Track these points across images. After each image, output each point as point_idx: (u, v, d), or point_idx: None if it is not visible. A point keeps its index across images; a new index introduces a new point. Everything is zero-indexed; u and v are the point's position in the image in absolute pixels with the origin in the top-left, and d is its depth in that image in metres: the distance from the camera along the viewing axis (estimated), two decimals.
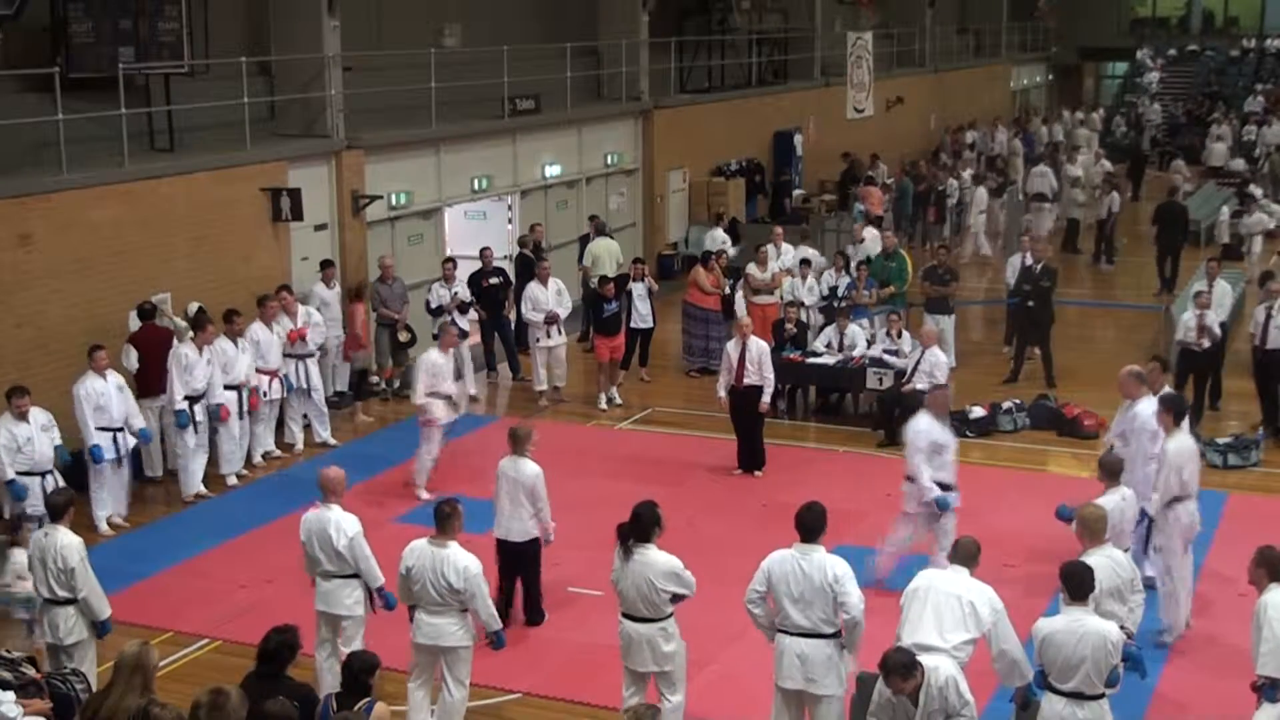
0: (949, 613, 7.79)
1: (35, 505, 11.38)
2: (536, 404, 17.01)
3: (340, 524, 9.15)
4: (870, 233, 20.77)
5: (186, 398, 13.55)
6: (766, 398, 14.39)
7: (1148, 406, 11.02)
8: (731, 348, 14.43)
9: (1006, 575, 8.21)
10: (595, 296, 17.32)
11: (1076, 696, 7.50)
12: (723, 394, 14.46)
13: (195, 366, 13.64)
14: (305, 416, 15.50)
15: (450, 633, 8.81)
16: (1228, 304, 17.48)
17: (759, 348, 14.34)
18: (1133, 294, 22.64)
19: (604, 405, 17.13)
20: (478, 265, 18.02)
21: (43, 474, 11.83)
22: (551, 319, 16.79)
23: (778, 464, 14.53)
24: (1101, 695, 7.56)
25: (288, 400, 15.25)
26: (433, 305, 17.00)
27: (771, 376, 14.44)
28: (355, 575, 9.20)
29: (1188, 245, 24.19)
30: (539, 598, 10.81)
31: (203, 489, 13.87)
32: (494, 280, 17.73)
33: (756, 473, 14.42)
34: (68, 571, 8.87)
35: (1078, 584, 7.68)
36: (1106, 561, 8.40)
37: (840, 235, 24.01)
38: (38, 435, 11.84)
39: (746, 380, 14.21)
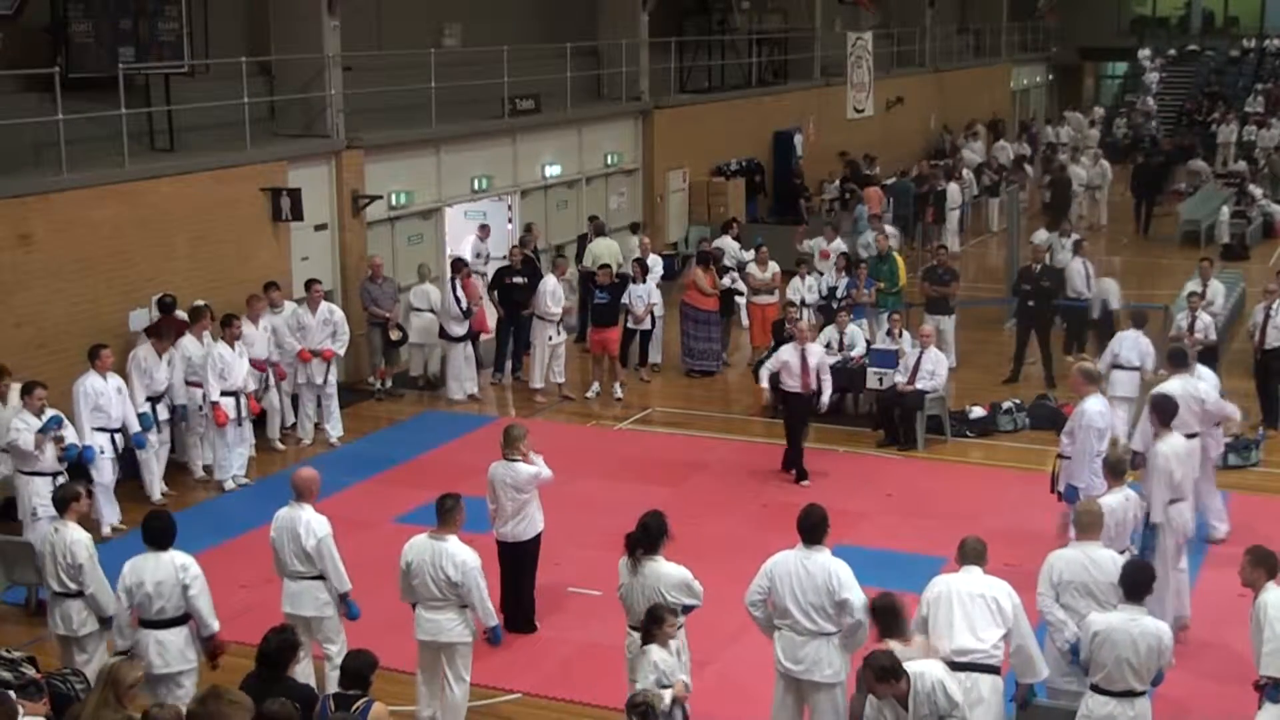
0: (978, 613, 7.83)
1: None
2: (534, 400, 17.03)
3: (311, 524, 9.08)
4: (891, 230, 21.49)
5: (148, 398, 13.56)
6: (826, 398, 14.32)
7: (1095, 404, 11.00)
8: (791, 354, 14.23)
9: (1007, 575, 8.21)
10: (588, 284, 17.36)
11: (1127, 695, 7.53)
12: (764, 384, 14.44)
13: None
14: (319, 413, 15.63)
15: (449, 629, 8.84)
16: (1220, 303, 17.56)
17: (817, 353, 14.34)
18: (1134, 295, 22.61)
19: (590, 395, 17.22)
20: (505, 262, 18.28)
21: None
22: (568, 312, 16.95)
23: (778, 464, 14.51)
24: (1146, 693, 7.60)
25: (303, 394, 15.49)
26: (463, 307, 17.00)
27: (829, 379, 14.39)
28: (323, 577, 9.14)
29: (1186, 244, 26.08)
30: (533, 605, 10.79)
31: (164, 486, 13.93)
32: (517, 279, 17.76)
33: (793, 472, 14.25)
34: (76, 567, 8.95)
35: (1133, 584, 7.72)
36: (1079, 556, 8.47)
37: (840, 235, 23.98)
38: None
39: (811, 386, 14.15)
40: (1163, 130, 40.35)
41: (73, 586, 9.01)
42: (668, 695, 7.71)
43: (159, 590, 8.43)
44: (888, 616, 7.75)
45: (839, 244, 20.23)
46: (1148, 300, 20.73)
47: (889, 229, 22.50)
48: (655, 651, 7.80)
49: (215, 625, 8.61)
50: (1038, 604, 8.42)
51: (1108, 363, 14.53)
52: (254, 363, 14.44)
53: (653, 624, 7.88)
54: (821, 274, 18.95)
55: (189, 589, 8.47)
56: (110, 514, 12.84)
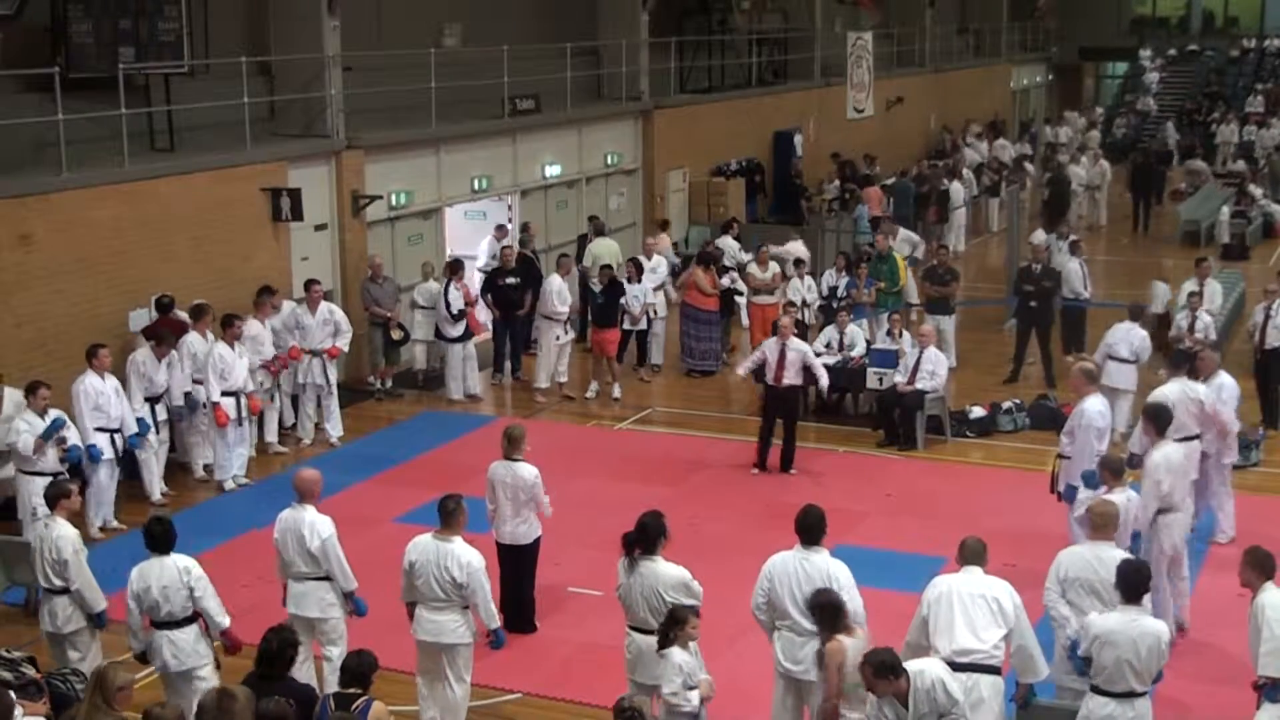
0: (979, 613, 7.83)
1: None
2: (534, 400, 17.05)
3: (315, 525, 9.09)
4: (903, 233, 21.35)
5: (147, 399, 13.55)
6: (824, 386, 14.75)
7: (1095, 404, 11.00)
8: (770, 347, 14.39)
9: (1007, 575, 8.23)
10: (586, 286, 17.41)
11: (1127, 696, 7.54)
12: (743, 372, 14.85)
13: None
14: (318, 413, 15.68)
15: (451, 629, 8.83)
16: (1217, 303, 17.60)
17: (800, 349, 14.38)
18: (1134, 294, 22.61)
19: (590, 395, 17.25)
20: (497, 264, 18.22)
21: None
22: (574, 312, 17.01)
23: (776, 463, 14.51)
24: (1146, 693, 7.61)
25: (303, 394, 15.52)
26: (454, 310, 17.01)
27: (823, 372, 14.56)
28: (327, 578, 9.14)
29: (1186, 244, 26.40)
30: (533, 605, 10.80)
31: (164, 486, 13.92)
32: (510, 280, 17.75)
33: (792, 470, 14.43)
34: (62, 563, 8.99)
35: (1130, 585, 7.74)
36: (1087, 555, 8.48)
37: (840, 235, 24.02)
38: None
39: (786, 381, 14.23)
40: (1165, 130, 40.32)
41: (58, 583, 9.05)
42: (695, 695, 7.71)
43: (165, 594, 8.46)
44: (830, 613, 7.80)
45: (797, 246, 20.15)
46: (1147, 300, 20.78)
47: (910, 235, 22.42)
48: (677, 654, 7.75)
49: (225, 621, 8.65)
50: (1044, 599, 8.45)
51: (1103, 354, 14.67)
52: (261, 364, 14.49)
53: (673, 625, 7.80)
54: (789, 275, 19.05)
55: (194, 591, 8.50)
56: (102, 514, 12.84)
